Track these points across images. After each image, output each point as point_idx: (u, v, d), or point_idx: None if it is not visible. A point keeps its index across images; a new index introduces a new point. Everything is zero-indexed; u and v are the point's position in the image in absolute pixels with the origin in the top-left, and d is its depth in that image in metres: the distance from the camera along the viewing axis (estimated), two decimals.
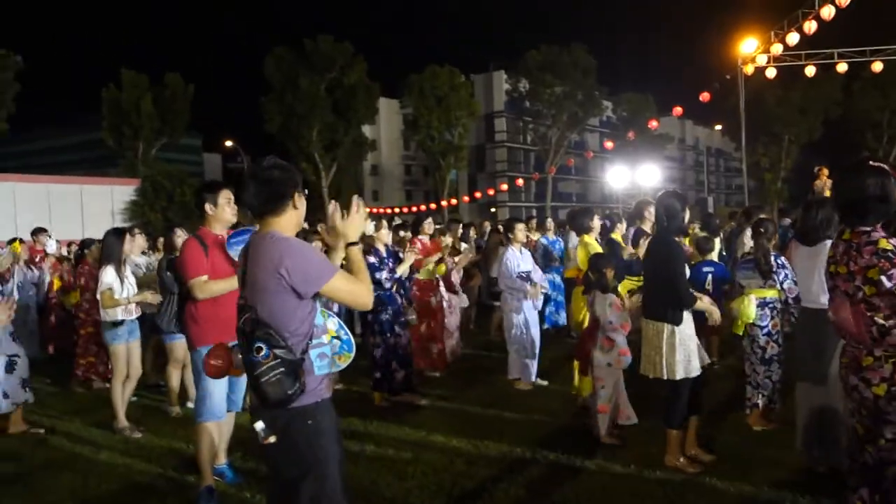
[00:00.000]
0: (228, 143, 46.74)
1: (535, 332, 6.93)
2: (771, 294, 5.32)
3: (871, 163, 2.84)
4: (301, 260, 2.53)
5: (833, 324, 2.98)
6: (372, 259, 6.27)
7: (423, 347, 7.59)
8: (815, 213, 4.41)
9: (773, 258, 5.30)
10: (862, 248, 2.76)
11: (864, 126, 47.11)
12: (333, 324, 2.81)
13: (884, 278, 2.67)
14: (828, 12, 17.61)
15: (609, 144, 33.20)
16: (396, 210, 44.96)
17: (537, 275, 7.07)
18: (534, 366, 6.92)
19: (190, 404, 6.26)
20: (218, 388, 4.27)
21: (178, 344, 6.32)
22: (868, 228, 2.80)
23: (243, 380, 4.49)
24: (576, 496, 4.22)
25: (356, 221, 2.74)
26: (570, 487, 4.36)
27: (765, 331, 5.30)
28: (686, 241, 9.13)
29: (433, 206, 45.58)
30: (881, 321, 2.71)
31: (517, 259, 6.89)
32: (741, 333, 5.40)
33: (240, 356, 2.60)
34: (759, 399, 5.28)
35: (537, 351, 6.94)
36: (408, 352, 6.66)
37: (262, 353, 2.43)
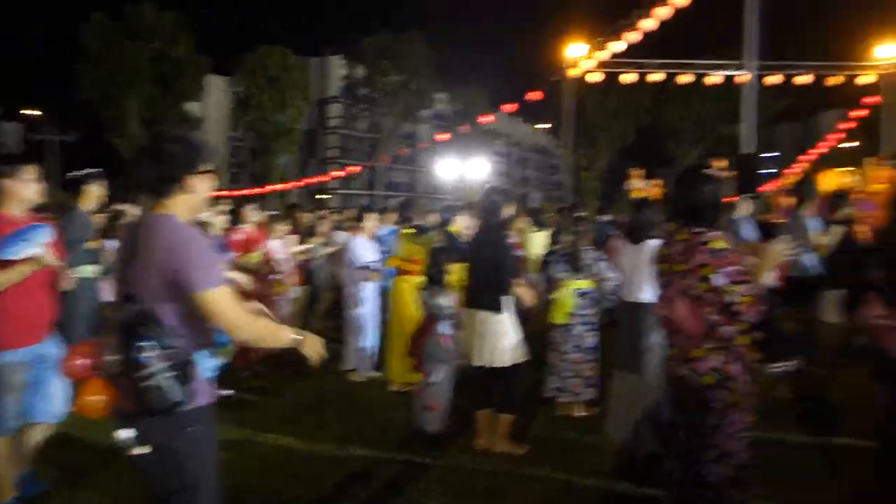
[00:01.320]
0: (34, 112, 42.39)
1: (374, 323, 6.87)
2: (587, 285, 5.58)
3: (704, 171, 3.08)
4: (185, 254, 2.22)
5: (664, 319, 3.15)
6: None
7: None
8: (642, 214, 4.70)
9: (586, 253, 5.57)
10: (696, 248, 2.95)
11: (667, 134, 51.63)
12: None
13: (713, 276, 2.86)
14: (651, 23, 19.01)
15: (444, 136, 33.70)
16: (223, 193, 42.98)
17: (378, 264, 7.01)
18: (370, 357, 6.84)
19: None
20: (6, 401, 3.67)
21: None
22: (703, 229, 3.01)
23: (55, 387, 3.92)
24: (411, 491, 4.18)
25: None
26: (406, 482, 4.31)
27: (585, 320, 5.58)
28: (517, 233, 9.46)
29: (260, 190, 44.05)
30: (712, 316, 2.90)
31: (364, 248, 6.80)
32: (562, 323, 5.63)
33: (107, 356, 2.23)
34: (583, 388, 5.53)
35: (375, 342, 6.88)
36: None
37: (145, 353, 2.11)
